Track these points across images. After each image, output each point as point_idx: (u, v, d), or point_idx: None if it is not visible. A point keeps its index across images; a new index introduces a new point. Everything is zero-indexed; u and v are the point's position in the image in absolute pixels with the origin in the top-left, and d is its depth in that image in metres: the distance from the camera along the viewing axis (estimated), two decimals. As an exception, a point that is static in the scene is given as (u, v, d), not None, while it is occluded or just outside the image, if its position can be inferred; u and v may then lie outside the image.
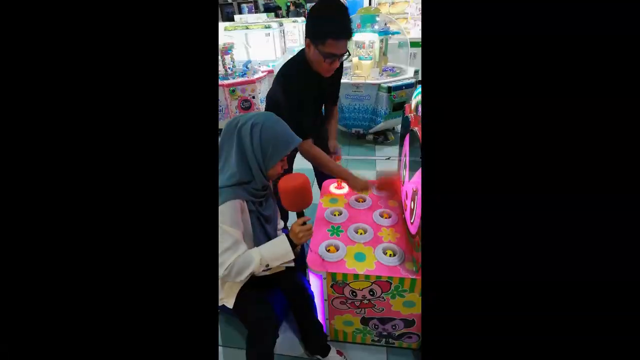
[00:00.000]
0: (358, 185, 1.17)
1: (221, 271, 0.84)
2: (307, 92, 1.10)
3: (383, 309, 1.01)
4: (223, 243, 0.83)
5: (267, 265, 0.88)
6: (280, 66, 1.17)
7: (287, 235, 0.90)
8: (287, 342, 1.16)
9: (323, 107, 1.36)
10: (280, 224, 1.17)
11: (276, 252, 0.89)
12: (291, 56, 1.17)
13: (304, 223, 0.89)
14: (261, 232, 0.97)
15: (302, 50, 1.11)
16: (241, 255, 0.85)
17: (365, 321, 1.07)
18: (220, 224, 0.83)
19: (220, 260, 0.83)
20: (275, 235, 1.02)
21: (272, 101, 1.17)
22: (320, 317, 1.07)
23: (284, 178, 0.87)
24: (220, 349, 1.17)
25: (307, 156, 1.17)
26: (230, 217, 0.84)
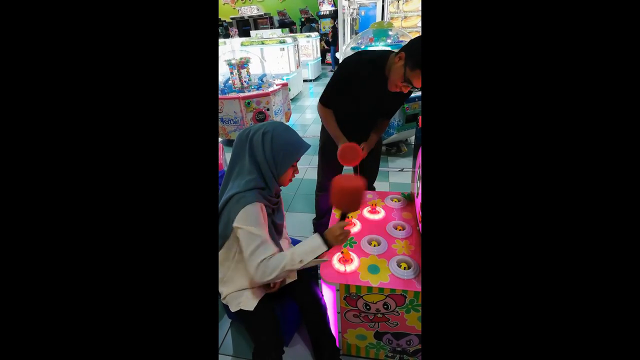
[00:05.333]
0: (339, 154, 1.28)
1: (252, 271, 0.83)
2: (357, 85, 1.17)
3: (397, 324, 0.99)
4: (251, 244, 0.84)
5: (301, 261, 0.84)
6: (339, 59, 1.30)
7: (320, 234, 0.87)
8: (298, 354, 1.14)
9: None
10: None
11: (308, 248, 0.85)
12: (371, 51, 1.25)
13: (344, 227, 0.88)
14: (274, 236, 0.98)
15: (388, 53, 1.14)
16: (272, 256, 0.85)
17: (379, 335, 1.04)
18: (243, 226, 0.85)
19: (249, 261, 0.84)
20: (282, 248, 1.02)
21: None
22: (333, 330, 1.06)
23: (343, 176, 0.86)
24: (230, 359, 1.17)
25: (319, 113, 1.35)
26: (256, 218, 0.86)
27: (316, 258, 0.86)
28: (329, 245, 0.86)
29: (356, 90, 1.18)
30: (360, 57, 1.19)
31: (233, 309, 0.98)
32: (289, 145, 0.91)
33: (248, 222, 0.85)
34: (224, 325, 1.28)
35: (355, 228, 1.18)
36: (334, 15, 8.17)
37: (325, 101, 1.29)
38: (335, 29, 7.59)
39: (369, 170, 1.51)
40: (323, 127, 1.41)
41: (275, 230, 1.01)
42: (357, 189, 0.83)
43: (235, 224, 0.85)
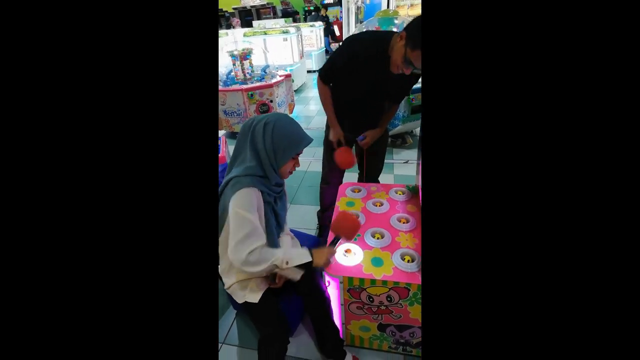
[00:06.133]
0: (333, 135, 1.32)
1: (242, 256, 0.83)
2: (361, 64, 1.14)
3: (401, 316, 0.99)
4: (242, 229, 0.83)
5: (287, 262, 0.89)
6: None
7: (310, 250, 0.93)
8: (302, 345, 1.16)
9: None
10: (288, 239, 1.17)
11: (297, 252, 0.93)
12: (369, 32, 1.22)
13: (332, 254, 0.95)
14: (274, 229, 0.98)
15: (392, 33, 1.11)
16: (264, 247, 0.86)
17: (382, 327, 1.05)
18: (237, 209, 0.84)
19: (239, 245, 0.83)
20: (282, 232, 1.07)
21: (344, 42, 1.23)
22: (337, 322, 1.07)
23: (347, 214, 1.05)
24: (236, 348, 1.19)
25: (318, 90, 1.32)
26: (249, 203, 0.86)
27: (297, 267, 0.91)
28: (313, 262, 0.92)
29: (360, 70, 1.15)
30: (365, 36, 1.16)
31: (239, 300, 0.99)
32: (289, 138, 0.90)
33: (241, 206, 0.84)
34: (230, 315, 1.30)
35: (359, 221, 1.17)
36: (326, 5, 8.02)
37: (324, 76, 1.24)
38: (327, 18, 7.44)
39: (373, 164, 1.50)
40: None
41: (277, 220, 1.01)
42: (356, 226, 1.02)
43: (230, 208, 0.85)
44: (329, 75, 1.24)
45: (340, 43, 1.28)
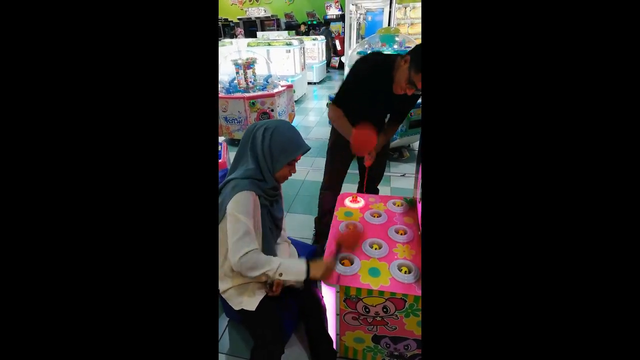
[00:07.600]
0: (354, 148, 1.29)
1: (235, 258, 0.85)
2: (366, 86, 1.19)
3: (396, 328, 0.99)
4: (237, 231, 0.86)
5: (281, 275, 0.89)
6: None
7: (307, 262, 0.93)
8: (294, 355, 1.14)
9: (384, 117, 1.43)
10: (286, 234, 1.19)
11: (292, 268, 0.91)
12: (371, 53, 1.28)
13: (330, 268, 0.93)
14: (270, 232, 0.99)
15: (396, 56, 1.17)
16: (257, 252, 0.87)
17: (376, 339, 1.04)
18: (234, 212, 0.86)
19: (233, 247, 0.85)
20: (280, 237, 1.07)
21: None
22: (331, 332, 1.05)
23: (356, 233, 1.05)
24: (225, 357, 1.16)
25: (330, 115, 1.35)
26: (244, 207, 0.88)
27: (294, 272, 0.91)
28: (310, 275, 0.91)
29: (364, 87, 1.20)
30: (371, 56, 1.22)
31: (235, 307, 0.98)
32: (285, 144, 0.92)
33: (237, 209, 0.87)
34: (221, 324, 1.28)
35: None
36: (309, 23, 8.30)
37: (336, 100, 1.30)
38: (306, 34, 7.70)
39: (374, 172, 1.51)
40: (334, 127, 1.43)
41: (274, 224, 1.02)
42: (359, 237, 1.03)
43: (227, 210, 0.87)
44: (340, 98, 1.29)
45: (341, 57, 1.33)
